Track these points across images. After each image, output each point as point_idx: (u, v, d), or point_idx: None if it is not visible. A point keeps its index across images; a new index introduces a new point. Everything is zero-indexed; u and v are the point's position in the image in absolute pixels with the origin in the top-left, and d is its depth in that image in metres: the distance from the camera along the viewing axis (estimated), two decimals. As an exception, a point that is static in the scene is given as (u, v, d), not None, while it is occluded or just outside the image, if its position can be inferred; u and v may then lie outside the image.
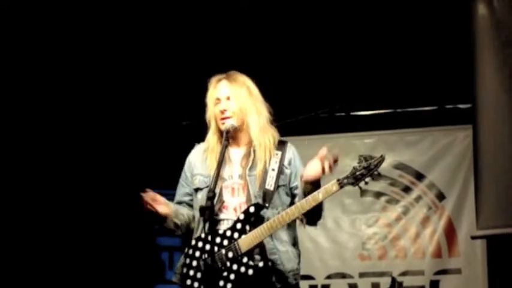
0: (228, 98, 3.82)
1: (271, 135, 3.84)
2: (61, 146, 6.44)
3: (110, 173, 6.70)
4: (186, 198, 3.92)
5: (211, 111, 3.86)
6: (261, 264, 3.62)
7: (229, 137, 3.75)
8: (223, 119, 3.80)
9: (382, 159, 3.63)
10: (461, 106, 6.38)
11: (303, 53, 6.12)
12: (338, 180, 3.61)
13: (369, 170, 3.61)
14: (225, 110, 3.80)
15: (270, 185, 3.73)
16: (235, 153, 3.85)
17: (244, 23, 5.82)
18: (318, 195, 3.61)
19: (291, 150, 3.87)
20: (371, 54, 6.11)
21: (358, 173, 3.62)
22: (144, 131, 6.74)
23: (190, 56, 6.10)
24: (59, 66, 6.07)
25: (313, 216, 3.72)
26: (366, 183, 3.64)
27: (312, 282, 6.52)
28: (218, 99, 3.84)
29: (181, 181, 3.96)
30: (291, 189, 3.81)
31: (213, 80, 3.91)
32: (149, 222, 6.84)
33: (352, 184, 3.62)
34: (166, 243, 6.96)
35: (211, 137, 3.87)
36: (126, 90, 6.43)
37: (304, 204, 3.62)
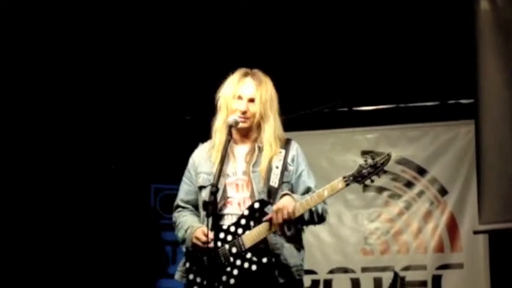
0: (251, 100, 3.79)
1: (279, 139, 3.83)
2: (64, 141, 6.45)
3: (114, 168, 6.71)
4: (191, 197, 3.90)
5: (228, 103, 3.80)
6: (264, 260, 3.62)
7: (231, 132, 3.75)
8: (240, 117, 3.78)
9: (388, 157, 3.63)
10: (463, 101, 6.36)
11: (306, 48, 6.12)
12: (344, 177, 3.63)
13: (375, 168, 3.62)
14: (245, 112, 3.77)
15: (274, 182, 3.74)
16: (240, 150, 3.86)
17: (245, 18, 5.82)
18: (323, 192, 3.63)
19: (294, 148, 3.87)
20: (373, 50, 6.11)
21: (364, 171, 3.63)
22: (146, 126, 6.74)
23: (192, 51, 6.10)
24: (59, 64, 6.07)
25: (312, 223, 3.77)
26: (372, 181, 3.65)
27: (314, 276, 6.52)
28: (240, 97, 3.79)
29: (185, 179, 3.95)
30: (291, 185, 3.81)
31: (239, 73, 3.86)
32: (154, 217, 6.88)
33: (358, 182, 3.64)
34: (171, 237, 6.98)
35: (220, 127, 3.82)
36: (128, 86, 6.43)
37: (309, 200, 3.64)
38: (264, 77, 3.87)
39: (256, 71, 3.89)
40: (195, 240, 3.68)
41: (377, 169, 3.62)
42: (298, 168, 3.82)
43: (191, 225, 3.77)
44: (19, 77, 6.00)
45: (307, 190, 3.79)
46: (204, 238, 3.62)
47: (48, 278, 6.25)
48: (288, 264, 3.70)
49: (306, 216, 3.70)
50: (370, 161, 3.63)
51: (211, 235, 3.57)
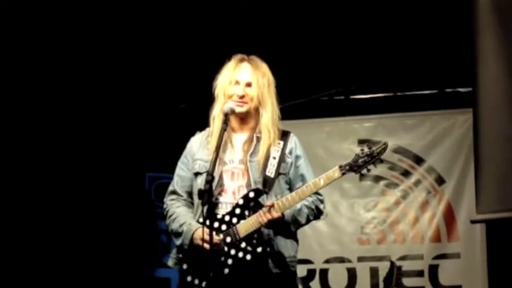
0: (248, 85, 3.78)
1: (277, 128, 3.82)
2: (58, 130, 6.42)
3: (109, 157, 6.69)
4: (185, 184, 3.86)
5: (225, 89, 3.80)
6: (259, 249, 3.61)
7: (227, 120, 3.72)
8: (238, 102, 3.76)
9: (385, 146, 3.64)
10: (461, 90, 6.35)
11: (303, 36, 6.09)
12: (340, 166, 3.62)
13: (371, 157, 3.63)
14: (243, 96, 3.76)
15: (270, 172, 3.72)
16: (238, 138, 3.84)
17: (243, 6, 5.78)
18: (319, 181, 3.63)
19: (293, 140, 3.86)
20: (371, 38, 6.08)
21: (360, 160, 3.63)
22: (141, 114, 6.71)
23: (186, 39, 6.07)
24: (54, 54, 6.02)
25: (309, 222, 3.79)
26: (368, 170, 3.65)
27: (310, 266, 6.51)
28: (237, 82, 3.78)
29: (181, 165, 3.91)
30: (289, 178, 3.80)
31: (235, 59, 3.85)
32: (149, 206, 6.87)
33: (355, 171, 3.64)
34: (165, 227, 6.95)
35: (218, 114, 3.80)
36: (122, 75, 6.39)
37: (305, 190, 3.64)
38: (261, 62, 3.87)
39: (253, 57, 3.89)
40: (198, 242, 3.61)
41: (373, 158, 3.63)
42: (297, 161, 3.81)
43: (188, 222, 3.72)
44: (13, 68, 5.96)
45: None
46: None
47: (43, 268, 6.23)
48: (283, 254, 3.69)
49: (303, 221, 3.72)
50: (366, 150, 3.63)
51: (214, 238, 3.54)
